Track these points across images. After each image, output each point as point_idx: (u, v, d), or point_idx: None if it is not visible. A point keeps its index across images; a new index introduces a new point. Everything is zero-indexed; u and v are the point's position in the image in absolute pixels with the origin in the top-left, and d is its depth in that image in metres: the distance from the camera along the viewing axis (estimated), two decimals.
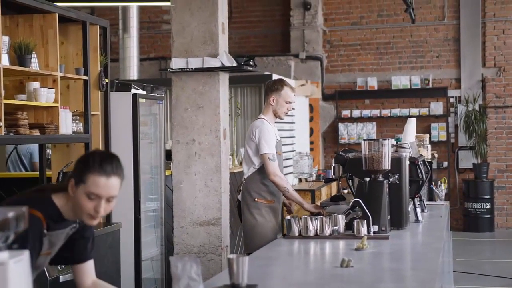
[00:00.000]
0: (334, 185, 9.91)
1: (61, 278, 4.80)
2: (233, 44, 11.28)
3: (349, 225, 4.30)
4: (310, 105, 11.93)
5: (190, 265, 2.46)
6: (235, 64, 5.26)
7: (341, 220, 4.29)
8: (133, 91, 6.57)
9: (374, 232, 4.22)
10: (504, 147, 12.27)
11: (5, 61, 4.86)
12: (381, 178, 4.37)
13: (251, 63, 5.40)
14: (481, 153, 11.96)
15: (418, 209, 4.97)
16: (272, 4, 13.07)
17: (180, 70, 5.30)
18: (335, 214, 4.34)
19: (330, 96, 12.73)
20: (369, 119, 12.52)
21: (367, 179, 4.36)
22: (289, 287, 3.15)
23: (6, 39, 4.96)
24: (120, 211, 6.02)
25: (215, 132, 5.31)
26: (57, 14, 5.38)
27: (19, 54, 5.03)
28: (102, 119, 6.10)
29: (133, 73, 11.14)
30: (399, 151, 5.00)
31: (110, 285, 3.06)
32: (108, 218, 5.90)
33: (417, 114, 12.12)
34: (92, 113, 5.86)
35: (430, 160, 6.98)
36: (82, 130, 5.73)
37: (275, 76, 8.55)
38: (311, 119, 11.96)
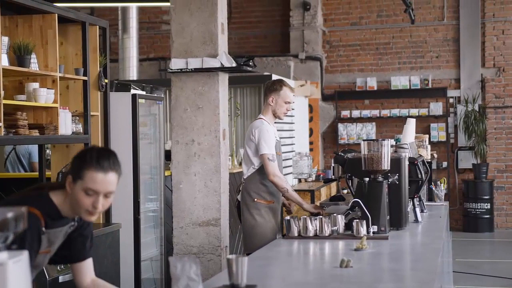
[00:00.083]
0: (333, 185, 9.90)
1: (61, 279, 4.79)
2: (232, 45, 11.28)
3: (348, 226, 4.30)
4: (310, 106, 11.93)
5: (189, 266, 2.47)
6: (234, 65, 5.25)
7: (341, 220, 4.29)
8: (133, 91, 6.57)
9: (373, 233, 4.22)
10: (504, 148, 12.26)
11: (5, 62, 4.86)
12: (380, 179, 4.37)
13: (250, 63, 5.39)
14: (480, 153, 11.95)
15: (418, 210, 4.96)
16: (271, 4, 13.07)
17: (179, 70, 5.29)
18: (335, 214, 4.34)
19: (330, 97, 12.73)
20: (369, 119, 12.51)
21: (367, 179, 4.37)
22: (288, 287, 3.15)
23: (5, 39, 4.96)
24: (119, 211, 6.02)
25: (215, 132, 5.30)
26: (56, 15, 5.38)
27: (19, 55, 5.03)
28: (102, 119, 6.10)
29: (132, 74, 11.13)
30: (398, 152, 5.00)
31: (109, 284, 3.06)
32: (107, 218, 5.91)
33: (417, 114, 12.12)
34: (92, 113, 5.86)
35: (429, 160, 6.98)
36: (81, 131, 5.73)
37: (275, 77, 8.55)
38: (310, 120, 11.96)
